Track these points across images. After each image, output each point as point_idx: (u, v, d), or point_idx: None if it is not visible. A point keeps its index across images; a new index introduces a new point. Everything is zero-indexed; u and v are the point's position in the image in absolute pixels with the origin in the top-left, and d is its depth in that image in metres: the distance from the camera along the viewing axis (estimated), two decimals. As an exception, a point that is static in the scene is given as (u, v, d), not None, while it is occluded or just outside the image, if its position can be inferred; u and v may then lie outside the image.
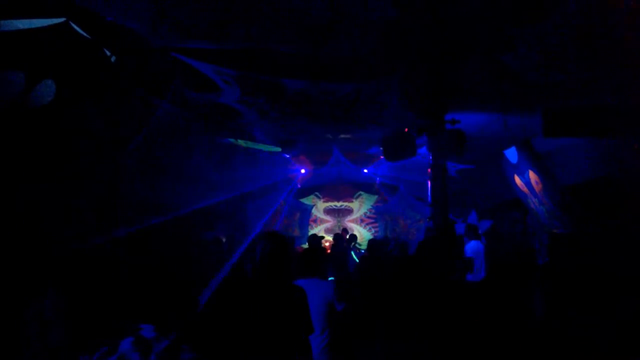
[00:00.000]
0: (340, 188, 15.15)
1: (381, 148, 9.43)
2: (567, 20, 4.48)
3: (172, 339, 1.77)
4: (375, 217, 14.98)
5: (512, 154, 8.15)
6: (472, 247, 7.21)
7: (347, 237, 11.36)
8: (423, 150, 8.47)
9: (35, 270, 3.44)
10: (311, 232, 14.67)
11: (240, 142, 10.19)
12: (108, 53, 4.58)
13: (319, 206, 15.36)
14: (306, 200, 15.02)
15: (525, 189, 8.41)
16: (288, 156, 11.95)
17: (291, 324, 2.83)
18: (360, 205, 15.40)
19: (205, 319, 2.79)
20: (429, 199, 7.53)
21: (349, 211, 15.40)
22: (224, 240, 9.12)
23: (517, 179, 8.50)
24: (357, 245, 11.09)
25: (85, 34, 4.24)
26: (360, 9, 4.43)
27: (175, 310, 1.89)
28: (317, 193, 15.22)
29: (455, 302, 3.14)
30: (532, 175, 7.87)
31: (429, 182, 7.48)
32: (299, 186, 14.28)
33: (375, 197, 15.21)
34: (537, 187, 7.90)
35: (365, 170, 13.44)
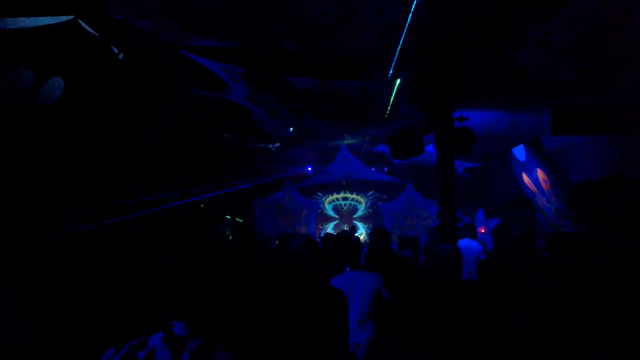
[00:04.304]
0: (347, 186, 15.13)
1: (388, 146, 9.42)
2: (576, 18, 4.45)
3: (205, 337, 1.75)
4: (382, 214, 14.94)
5: (520, 152, 8.09)
6: (461, 245, 7.14)
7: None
8: (430, 148, 8.44)
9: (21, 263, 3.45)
10: (318, 229, 14.68)
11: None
12: (116, 51, 4.61)
13: (326, 204, 15.37)
14: (313, 198, 15.01)
15: (533, 188, 8.36)
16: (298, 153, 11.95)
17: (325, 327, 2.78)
18: (367, 203, 15.39)
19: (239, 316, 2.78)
20: (437, 197, 7.50)
21: (356, 209, 15.39)
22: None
23: (525, 178, 8.45)
24: None
25: (93, 32, 4.26)
26: (367, 8, 4.43)
27: (202, 307, 1.86)
28: (324, 191, 15.21)
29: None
30: (541, 174, 7.82)
31: (437, 180, 7.46)
32: (307, 184, 14.28)
33: (382, 194, 15.17)
34: (546, 185, 7.85)
35: (373, 168, 13.41)
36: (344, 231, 11.48)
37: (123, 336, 1.76)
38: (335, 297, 2.97)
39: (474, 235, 8.12)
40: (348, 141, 10.85)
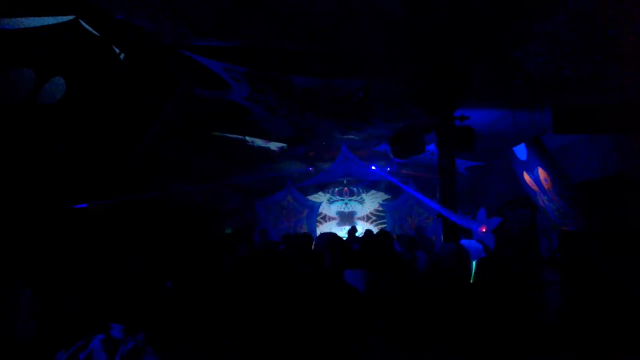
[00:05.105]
0: (348, 185, 15.13)
1: (389, 145, 9.41)
2: (578, 16, 4.44)
3: (138, 341, 1.75)
4: (383, 214, 14.93)
5: (521, 151, 8.07)
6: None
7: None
8: (432, 147, 8.44)
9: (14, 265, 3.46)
10: (319, 229, 14.67)
11: (248, 138, 10.24)
12: (117, 51, 4.61)
13: (327, 203, 15.35)
14: (314, 198, 15.01)
15: (534, 187, 8.34)
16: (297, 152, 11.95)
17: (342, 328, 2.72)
18: (369, 203, 15.37)
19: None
20: (438, 196, 7.50)
21: (357, 208, 15.37)
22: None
23: (526, 176, 8.43)
24: None
25: (94, 32, 4.26)
26: (369, 7, 4.42)
27: (145, 309, 1.85)
28: (325, 190, 15.20)
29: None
30: (542, 173, 7.80)
31: (438, 180, 7.46)
32: (308, 183, 14.28)
33: (384, 194, 15.16)
34: (547, 184, 7.83)
35: (374, 168, 13.40)
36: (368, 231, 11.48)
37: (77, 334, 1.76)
38: (357, 296, 2.92)
39: (468, 234, 8.14)
40: (349, 140, 10.86)
